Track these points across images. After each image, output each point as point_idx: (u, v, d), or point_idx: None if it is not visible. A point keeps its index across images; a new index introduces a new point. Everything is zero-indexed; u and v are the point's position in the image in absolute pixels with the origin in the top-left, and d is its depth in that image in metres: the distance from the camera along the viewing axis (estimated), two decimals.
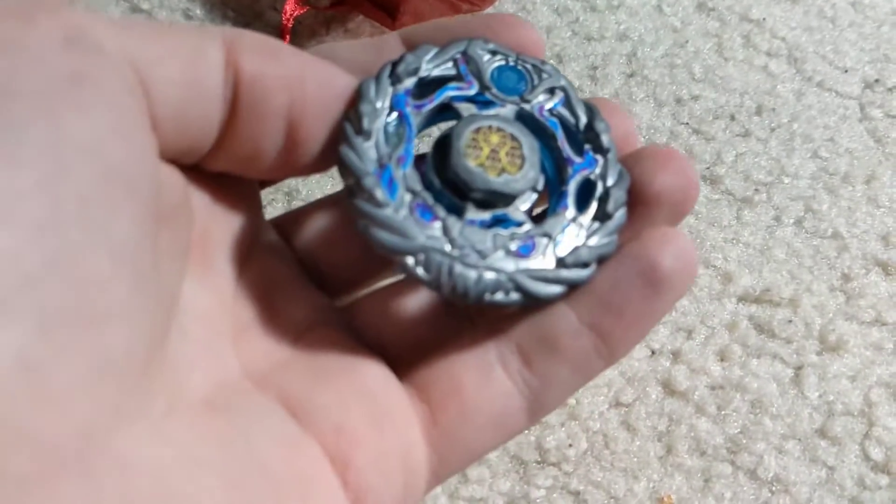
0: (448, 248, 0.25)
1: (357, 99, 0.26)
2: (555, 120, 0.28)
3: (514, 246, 0.26)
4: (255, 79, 0.24)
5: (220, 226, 0.27)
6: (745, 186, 0.40)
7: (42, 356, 0.18)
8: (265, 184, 0.30)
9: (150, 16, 0.43)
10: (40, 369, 0.18)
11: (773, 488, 0.33)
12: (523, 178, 0.26)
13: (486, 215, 0.26)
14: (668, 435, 0.34)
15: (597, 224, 0.26)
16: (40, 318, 0.18)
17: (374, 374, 0.26)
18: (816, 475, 0.34)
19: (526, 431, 0.34)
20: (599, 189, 0.27)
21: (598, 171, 0.27)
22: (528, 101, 0.28)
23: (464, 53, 0.28)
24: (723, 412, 0.35)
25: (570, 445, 0.34)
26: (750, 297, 0.37)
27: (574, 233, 0.26)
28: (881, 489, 0.33)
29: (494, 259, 0.25)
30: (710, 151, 0.41)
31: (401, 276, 0.27)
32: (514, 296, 0.25)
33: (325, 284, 0.29)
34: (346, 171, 0.25)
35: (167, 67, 0.23)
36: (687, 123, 0.41)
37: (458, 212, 0.26)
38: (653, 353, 0.36)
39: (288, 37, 0.39)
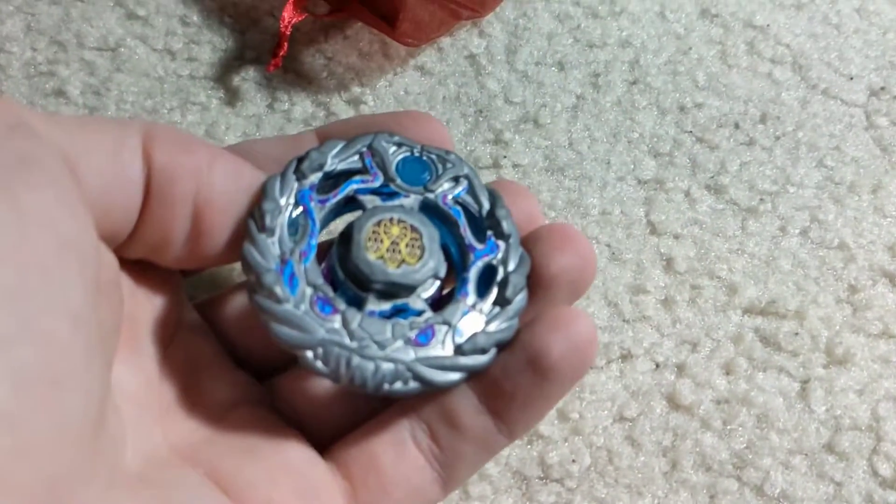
0: (347, 340, 0.26)
1: (261, 196, 0.28)
2: (458, 208, 0.29)
3: (412, 335, 0.27)
4: (166, 167, 0.26)
5: (144, 308, 0.28)
6: (749, 196, 0.39)
7: (17, 412, 0.19)
8: (188, 273, 0.32)
9: (147, 22, 0.42)
10: (16, 424, 0.19)
11: None
12: (423, 267, 0.28)
13: (386, 306, 0.28)
14: (672, 450, 0.34)
15: (497, 309, 0.28)
16: (14, 379, 0.19)
17: (297, 451, 0.28)
18: (824, 491, 0.33)
19: (528, 446, 0.34)
20: (500, 274, 0.28)
21: (499, 256, 0.29)
22: (432, 191, 0.29)
23: (369, 147, 0.29)
24: (728, 427, 0.34)
25: (574, 461, 0.34)
26: (755, 308, 0.37)
27: (473, 319, 0.28)
28: None
29: (393, 349, 0.27)
30: (714, 160, 0.40)
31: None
32: (413, 384, 0.26)
33: (244, 365, 0.31)
34: (248, 267, 0.27)
35: (94, 156, 0.25)
36: (690, 132, 0.41)
37: (358, 303, 0.27)
38: (657, 366, 0.35)
39: (286, 44, 0.38)
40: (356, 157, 0.29)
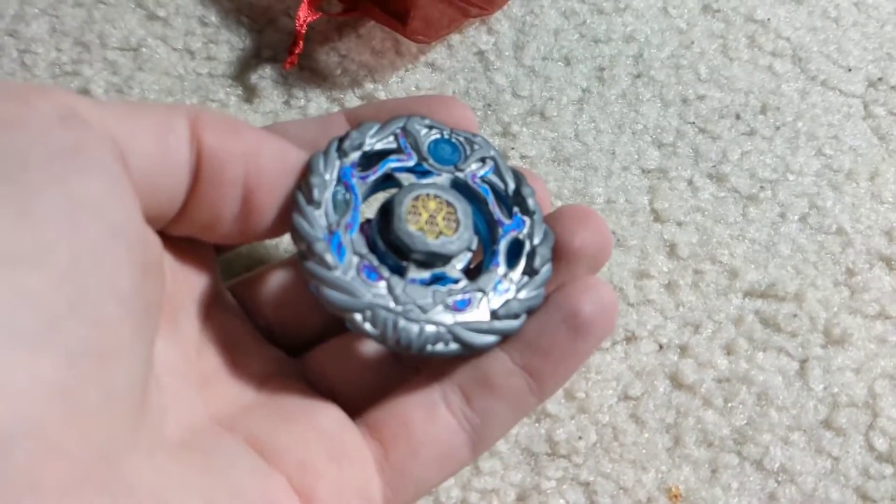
0: (392, 304, 0.28)
1: (308, 172, 0.29)
2: (486, 186, 0.31)
3: (451, 301, 0.29)
4: (216, 151, 0.27)
5: (183, 287, 0.29)
6: (750, 184, 0.40)
7: (71, 383, 0.20)
8: (221, 251, 0.33)
9: (167, 23, 0.44)
10: (70, 394, 0.20)
11: (779, 479, 0.34)
12: (458, 239, 0.29)
13: (426, 274, 0.29)
14: (675, 427, 0.35)
15: (525, 279, 0.30)
16: (67, 352, 0.20)
17: (330, 416, 0.29)
18: (822, 465, 0.34)
19: (536, 424, 0.35)
20: (527, 247, 0.30)
21: (525, 231, 0.30)
22: (461, 170, 0.31)
23: (403, 129, 0.31)
24: (729, 405, 0.35)
25: (580, 438, 0.35)
26: (756, 291, 0.38)
27: (505, 287, 0.29)
28: (885, 479, 0.34)
29: (434, 313, 0.28)
30: (716, 150, 0.41)
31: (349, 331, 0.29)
32: (453, 346, 0.28)
33: (277, 342, 0.32)
34: (299, 237, 0.28)
35: (141, 140, 0.26)
36: (693, 123, 0.42)
37: (400, 272, 0.29)
38: (661, 347, 0.37)
39: (301, 42, 0.40)
40: (391, 138, 0.31)
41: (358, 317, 0.28)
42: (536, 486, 0.34)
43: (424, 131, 0.31)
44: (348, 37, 0.44)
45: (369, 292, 0.28)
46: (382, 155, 0.30)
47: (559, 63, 0.43)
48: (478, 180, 0.31)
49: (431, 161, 0.31)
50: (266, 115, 0.42)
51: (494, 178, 0.31)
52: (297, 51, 0.40)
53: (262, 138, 0.29)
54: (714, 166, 0.41)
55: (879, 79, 0.43)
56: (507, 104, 0.42)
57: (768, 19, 0.45)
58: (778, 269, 0.38)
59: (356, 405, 0.30)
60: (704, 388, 0.35)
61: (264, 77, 0.43)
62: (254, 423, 0.28)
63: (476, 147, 0.32)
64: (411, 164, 0.31)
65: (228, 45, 0.43)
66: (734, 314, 0.37)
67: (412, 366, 0.31)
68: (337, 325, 0.30)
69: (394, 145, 0.31)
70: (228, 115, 0.29)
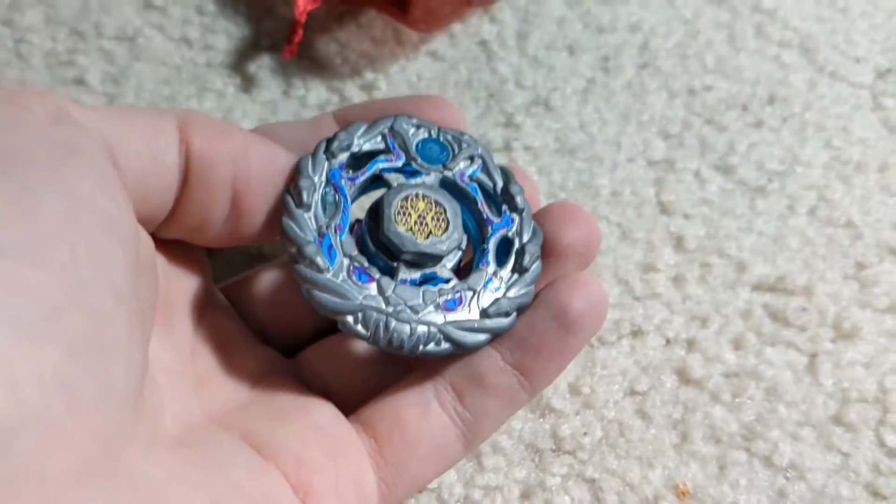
0: (383, 305, 0.28)
1: (296, 174, 0.29)
2: (474, 185, 0.31)
3: (442, 301, 0.29)
4: (204, 153, 0.28)
5: (176, 289, 0.30)
6: (758, 176, 0.40)
7: (72, 374, 0.20)
8: (213, 252, 0.33)
9: (164, 12, 0.43)
10: (71, 385, 0.20)
11: (789, 475, 0.33)
12: (448, 239, 0.30)
13: (416, 275, 0.30)
14: (683, 423, 0.34)
15: (515, 276, 0.30)
16: (69, 343, 0.20)
17: (324, 413, 0.30)
18: (831, 462, 0.34)
19: (541, 420, 0.34)
20: (516, 245, 0.31)
21: (514, 228, 0.31)
22: (450, 169, 0.31)
23: (391, 128, 0.31)
24: (737, 400, 0.35)
25: (585, 434, 0.34)
26: (764, 285, 0.37)
27: (495, 286, 0.30)
28: None
29: (425, 314, 0.29)
30: (723, 141, 0.41)
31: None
32: (445, 345, 0.29)
33: (270, 342, 0.32)
34: (289, 240, 0.29)
35: (131, 142, 0.26)
36: (700, 114, 0.41)
37: (391, 273, 0.29)
38: (667, 341, 0.36)
39: (300, 32, 0.39)
40: (379, 138, 0.31)
41: (349, 319, 0.28)
42: (541, 482, 0.33)
43: (412, 130, 0.31)
44: (348, 26, 0.43)
45: (360, 294, 0.28)
46: (371, 155, 0.31)
47: (563, 53, 0.43)
48: (466, 179, 0.31)
49: (419, 160, 0.31)
50: (265, 104, 0.41)
51: (483, 177, 0.31)
52: (296, 40, 0.39)
53: (249, 140, 0.29)
54: (721, 158, 0.40)
55: (888, 69, 0.43)
56: (510, 94, 0.42)
57: (775, 9, 0.44)
58: (786, 262, 0.37)
59: (349, 403, 0.31)
60: (712, 384, 0.35)
61: (263, 67, 0.42)
62: (249, 421, 0.28)
63: (464, 145, 0.32)
64: (399, 164, 0.31)
65: (226, 34, 0.43)
66: (742, 308, 0.37)
67: (404, 364, 0.31)
68: (329, 324, 0.30)
69: (382, 146, 0.31)
70: (216, 118, 0.29)
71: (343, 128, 0.31)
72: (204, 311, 0.31)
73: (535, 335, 0.29)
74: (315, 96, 0.41)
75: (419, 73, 0.42)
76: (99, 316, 0.21)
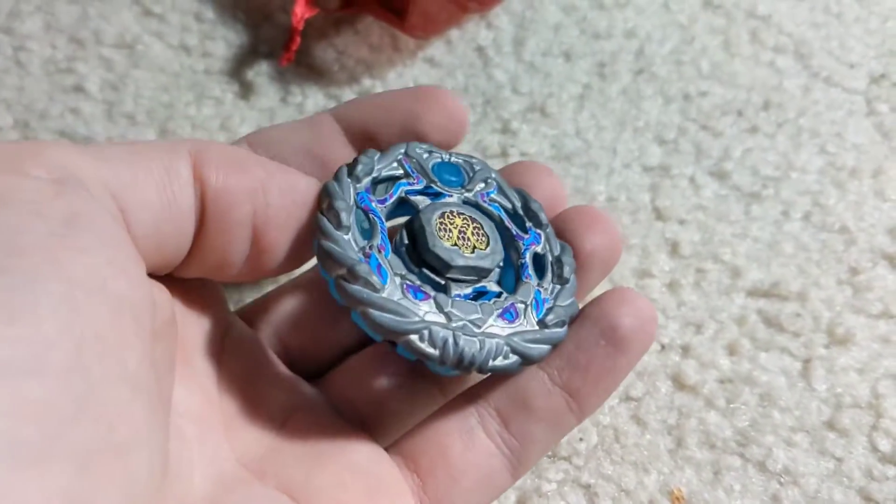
0: (445, 321, 0.27)
1: (329, 197, 0.28)
2: (496, 204, 0.31)
3: (499, 313, 0.28)
4: (220, 192, 0.26)
5: (193, 327, 0.28)
6: (752, 181, 0.40)
7: (84, 492, 0.18)
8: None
9: (162, 19, 0.43)
10: (85, 499, 0.18)
11: (782, 480, 0.34)
12: (492, 252, 0.29)
13: (468, 290, 0.28)
14: (677, 428, 0.35)
15: (558, 288, 0.29)
16: (78, 458, 0.18)
17: (362, 450, 0.28)
18: (825, 467, 0.34)
19: None
20: (549, 258, 0.30)
21: (542, 244, 0.30)
22: (469, 191, 0.30)
23: (405, 154, 0.30)
24: (732, 405, 0.35)
25: (581, 440, 0.34)
26: (758, 291, 0.37)
27: (544, 298, 0.29)
28: (889, 480, 0.33)
29: (488, 327, 0.27)
30: (718, 147, 0.41)
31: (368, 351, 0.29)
32: (513, 358, 0.27)
33: (294, 365, 0.31)
34: (333, 262, 0.27)
35: (142, 192, 0.24)
36: (695, 119, 0.42)
37: (443, 290, 0.28)
38: (662, 347, 0.36)
39: (298, 39, 0.39)
40: (395, 164, 0.30)
41: (415, 338, 0.26)
42: (537, 488, 0.33)
43: (426, 155, 0.31)
44: (346, 32, 0.43)
45: (419, 312, 0.27)
46: (392, 180, 0.30)
47: (559, 59, 0.43)
48: (486, 199, 0.31)
49: (439, 184, 0.30)
50: (263, 111, 0.41)
51: (500, 198, 0.31)
52: (293, 47, 0.40)
53: (268, 172, 0.27)
54: (716, 163, 0.40)
55: (882, 75, 0.43)
56: (506, 100, 0.42)
57: (770, 15, 0.44)
58: (781, 267, 0.38)
59: (387, 431, 0.29)
60: (707, 389, 0.35)
61: (261, 73, 0.42)
62: (284, 466, 0.27)
63: (476, 168, 0.31)
64: (421, 186, 0.30)
65: (225, 41, 0.43)
66: (737, 314, 0.37)
67: (438, 385, 0.30)
68: (355, 344, 0.30)
69: (400, 171, 0.30)
70: (232, 149, 0.27)
71: (361, 153, 0.30)
72: (225, 343, 0.29)
73: (584, 354, 0.28)
74: (313, 103, 0.42)
75: (416, 79, 0.43)
76: (113, 416, 0.20)
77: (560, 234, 0.31)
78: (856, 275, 0.38)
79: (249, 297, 0.35)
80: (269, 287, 0.34)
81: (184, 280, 0.28)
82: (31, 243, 0.20)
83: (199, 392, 0.27)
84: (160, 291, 0.25)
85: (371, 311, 0.26)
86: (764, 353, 0.36)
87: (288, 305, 0.32)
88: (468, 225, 0.29)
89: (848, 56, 0.43)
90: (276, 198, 0.27)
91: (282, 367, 0.30)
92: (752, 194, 0.40)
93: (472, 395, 0.29)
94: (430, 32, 0.42)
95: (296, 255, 0.28)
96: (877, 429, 0.34)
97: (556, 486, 0.34)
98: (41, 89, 0.41)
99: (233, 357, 0.29)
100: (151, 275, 0.26)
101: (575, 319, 0.29)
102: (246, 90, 0.42)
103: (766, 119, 0.42)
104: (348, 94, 0.42)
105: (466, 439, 0.28)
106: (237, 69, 0.42)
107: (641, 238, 0.39)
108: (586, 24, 0.44)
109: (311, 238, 0.27)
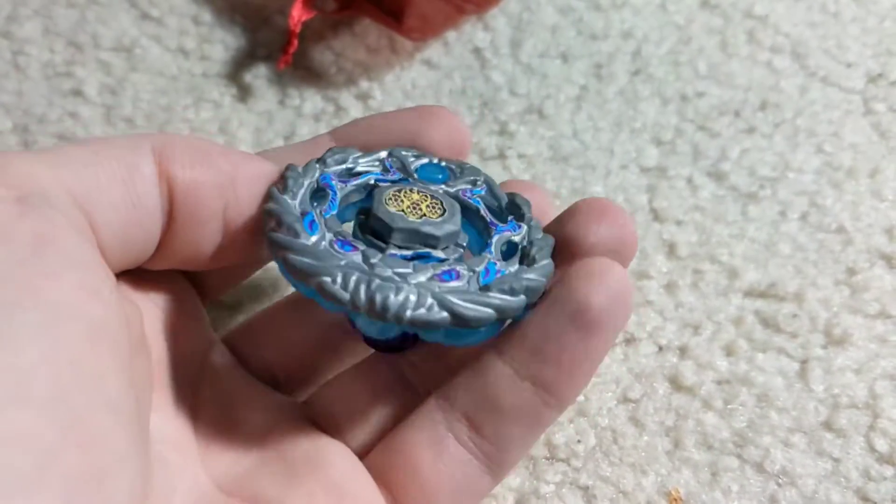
0: (366, 269, 0.25)
1: (283, 171, 0.27)
2: (477, 199, 0.29)
3: (436, 272, 0.25)
4: (188, 187, 0.26)
5: (171, 350, 0.28)
6: (749, 182, 0.40)
7: None
8: (209, 297, 0.31)
9: (160, 23, 0.43)
10: None
11: (780, 481, 0.34)
12: (444, 223, 0.27)
13: (407, 252, 0.26)
14: (675, 430, 0.35)
15: (523, 267, 0.26)
16: (66, 486, 0.18)
17: (339, 466, 0.27)
18: (822, 467, 0.34)
19: None
20: (526, 247, 0.27)
21: (522, 234, 0.28)
22: (451, 186, 0.29)
23: (390, 154, 0.29)
24: (729, 406, 0.35)
25: (579, 441, 0.34)
26: (756, 291, 0.37)
27: (499, 269, 0.26)
28: (886, 480, 0.33)
29: (415, 280, 0.25)
30: (715, 147, 0.41)
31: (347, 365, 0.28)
32: (440, 314, 0.24)
33: (278, 385, 0.30)
34: (270, 218, 0.26)
35: (107, 195, 0.24)
36: (692, 120, 0.42)
37: (380, 249, 0.26)
38: (660, 349, 0.36)
39: (296, 41, 0.39)
40: (377, 163, 0.29)
41: (327, 280, 0.24)
42: (535, 490, 0.33)
43: (412, 158, 0.30)
44: (343, 35, 0.43)
45: (342, 259, 0.25)
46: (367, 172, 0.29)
47: (556, 60, 0.43)
48: (469, 195, 0.29)
49: (417, 178, 0.29)
50: (260, 114, 0.41)
51: (488, 198, 0.30)
52: (291, 49, 0.40)
53: (235, 163, 0.27)
54: (713, 164, 0.40)
55: (879, 74, 0.43)
56: (503, 102, 0.42)
57: (767, 15, 0.44)
58: (778, 268, 0.38)
59: (366, 438, 0.29)
60: (704, 390, 0.35)
61: (259, 76, 0.42)
62: (260, 486, 0.26)
63: (466, 170, 0.30)
64: (395, 178, 0.29)
65: (222, 44, 0.43)
66: (734, 314, 0.37)
67: (417, 391, 0.29)
68: (344, 362, 0.29)
69: (379, 169, 0.29)
70: (197, 140, 0.27)
71: (338, 147, 0.29)
72: (204, 365, 0.29)
73: (552, 342, 0.25)
74: (311, 105, 0.42)
75: (414, 81, 0.43)
76: (96, 443, 0.20)
77: (564, 227, 0.28)
78: (853, 275, 0.38)
79: (236, 320, 0.35)
80: (256, 307, 0.34)
81: (164, 300, 0.28)
82: (4, 274, 0.20)
83: (176, 418, 0.27)
84: (130, 308, 0.25)
85: (290, 255, 0.25)
86: (761, 353, 0.36)
87: (271, 326, 0.31)
88: (425, 199, 0.27)
89: (845, 56, 0.43)
90: (246, 188, 0.27)
91: (262, 387, 0.30)
92: (749, 195, 0.40)
93: (440, 403, 0.27)
94: (428, 34, 0.42)
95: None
96: (874, 429, 0.34)
97: (554, 487, 0.34)
98: (40, 93, 0.42)
99: (211, 380, 0.29)
100: (120, 274, 0.26)
101: (541, 302, 0.26)
102: (244, 93, 0.42)
103: (763, 119, 0.42)
104: (346, 96, 0.42)
105: (437, 451, 0.27)
106: (235, 72, 0.42)
107: (639, 239, 0.38)
108: (583, 26, 0.44)
109: None
